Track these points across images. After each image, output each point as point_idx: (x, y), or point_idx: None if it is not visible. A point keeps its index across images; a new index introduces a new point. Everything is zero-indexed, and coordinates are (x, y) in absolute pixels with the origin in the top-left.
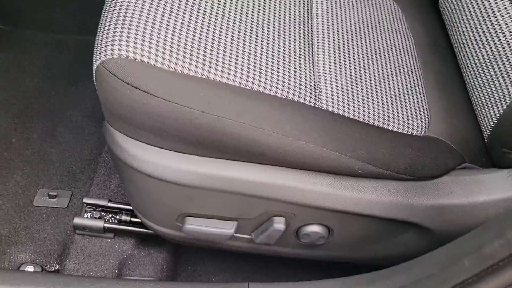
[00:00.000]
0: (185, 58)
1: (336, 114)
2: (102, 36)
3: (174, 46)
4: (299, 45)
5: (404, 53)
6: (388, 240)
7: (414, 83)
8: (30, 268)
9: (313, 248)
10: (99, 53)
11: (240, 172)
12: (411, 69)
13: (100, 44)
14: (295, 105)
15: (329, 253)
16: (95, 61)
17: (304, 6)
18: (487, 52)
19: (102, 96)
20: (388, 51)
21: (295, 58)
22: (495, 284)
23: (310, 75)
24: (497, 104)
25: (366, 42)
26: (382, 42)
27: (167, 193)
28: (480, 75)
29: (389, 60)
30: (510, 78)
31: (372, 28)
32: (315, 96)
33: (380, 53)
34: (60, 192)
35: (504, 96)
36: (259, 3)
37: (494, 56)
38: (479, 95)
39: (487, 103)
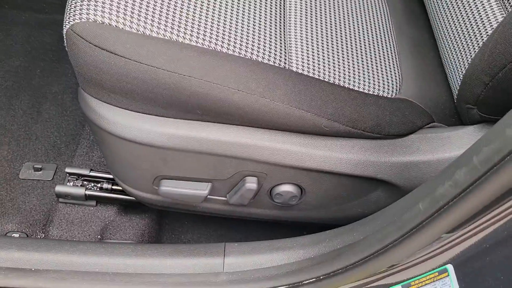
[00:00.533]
0: (153, 21)
1: (305, 75)
2: (71, 1)
3: (142, 10)
4: (271, 8)
5: (378, 18)
6: (359, 198)
7: (387, 47)
8: (15, 236)
9: (287, 209)
10: (69, 18)
11: (211, 133)
12: (385, 34)
13: (70, 9)
14: (262, 66)
15: (303, 214)
16: (65, 26)
17: None
18: (456, 14)
19: (72, 60)
20: (362, 16)
21: (265, 21)
22: (446, 223)
23: (280, 38)
24: (464, 63)
25: (340, 9)
26: (357, 8)
27: (142, 155)
28: (450, 36)
29: (363, 25)
30: (476, 36)
31: None
32: (285, 58)
33: (354, 18)
34: (45, 165)
35: (471, 53)
36: None
37: (463, 18)
38: (449, 57)
39: (455, 64)
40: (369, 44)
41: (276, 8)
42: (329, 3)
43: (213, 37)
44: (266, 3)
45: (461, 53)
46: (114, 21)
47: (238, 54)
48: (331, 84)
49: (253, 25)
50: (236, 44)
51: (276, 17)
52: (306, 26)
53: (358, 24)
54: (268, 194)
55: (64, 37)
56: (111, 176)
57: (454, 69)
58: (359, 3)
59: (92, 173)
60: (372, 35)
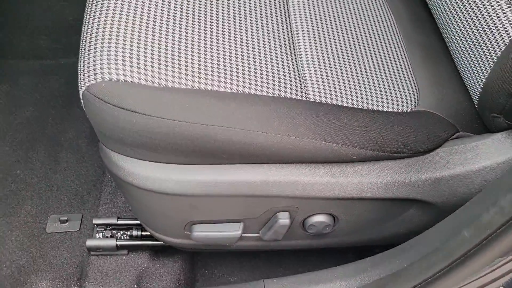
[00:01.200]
0: (167, 71)
1: (324, 103)
2: (83, 61)
3: (155, 61)
4: (279, 40)
5: (386, 31)
6: (393, 219)
7: (399, 60)
8: None
9: (321, 237)
10: (83, 79)
11: (238, 175)
12: (395, 46)
13: (83, 70)
14: (280, 101)
15: (338, 240)
16: (81, 88)
17: (280, 1)
18: (466, 19)
19: (92, 120)
20: (369, 32)
21: (276, 54)
22: (495, 252)
23: (294, 69)
24: (482, 70)
25: (346, 27)
26: (363, 23)
27: (171, 205)
28: (464, 43)
29: (372, 40)
30: (492, 44)
31: (350, 10)
32: (301, 89)
33: (361, 35)
34: (71, 215)
35: (488, 61)
36: (233, 7)
37: (474, 22)
38: (465, 63)
39: (472, 70)
40: (381, 59)
41: (285, 41)
42: (336, 27)
43: (227, 78)
44: (274, 37)
45: (477, 60)
46: (129, 76)
47: (255, 91)
48: (350, 108)
49: (265, 60)
50: (251, 81)
51: (286, 50)
52: (317, 53)
53: (367, 40)
54: (301, 226)
55: (81, 98)
56: (139, 222)
57: (471, 75)
58: (365, 18)
59: (120, 222)
60: (383, 49)
